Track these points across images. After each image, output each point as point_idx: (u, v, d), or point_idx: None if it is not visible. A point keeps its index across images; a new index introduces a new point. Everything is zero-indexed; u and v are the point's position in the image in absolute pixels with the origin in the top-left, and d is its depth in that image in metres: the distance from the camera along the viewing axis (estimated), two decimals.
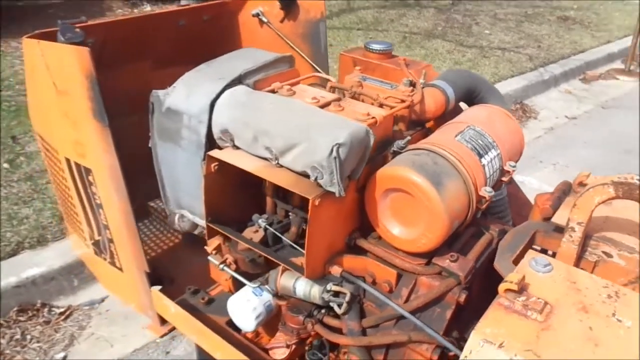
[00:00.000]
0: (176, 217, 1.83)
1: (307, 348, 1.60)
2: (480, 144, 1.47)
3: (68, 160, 1.97)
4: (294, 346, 1.58)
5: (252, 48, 1.83)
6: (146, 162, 1.78)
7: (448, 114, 1.71)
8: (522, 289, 1.19)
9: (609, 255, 1.41)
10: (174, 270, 2.26)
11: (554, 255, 1.53)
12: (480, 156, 1.45)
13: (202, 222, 1.67)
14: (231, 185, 1.56)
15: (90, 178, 1.90)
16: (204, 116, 1.45)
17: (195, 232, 1.92)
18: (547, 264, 1.28)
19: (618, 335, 1.08)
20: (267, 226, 1.57)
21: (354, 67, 2.03)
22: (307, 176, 1.32)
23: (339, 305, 1.42)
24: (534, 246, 1.56)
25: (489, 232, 1.53)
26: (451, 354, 1.34)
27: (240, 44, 2.63)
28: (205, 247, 1.74)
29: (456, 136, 1.46)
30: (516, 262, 1.45)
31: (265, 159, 1.40)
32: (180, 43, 2.46)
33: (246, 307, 1.61)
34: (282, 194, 1.58)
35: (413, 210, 1.33)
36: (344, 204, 1.40)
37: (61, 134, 1.94)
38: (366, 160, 1.34)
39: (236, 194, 1.60)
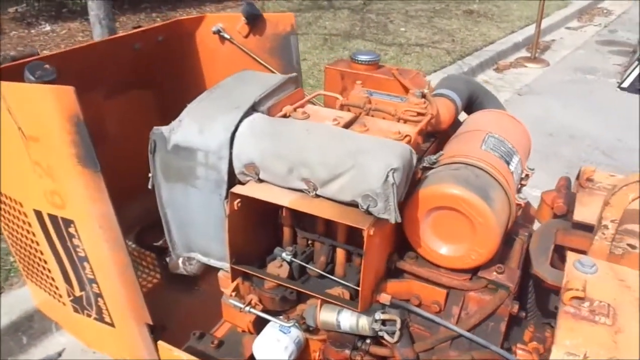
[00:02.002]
0: (180, 261, 1.67)
1: None
2: (504, 150, 1.48)
3: (39, 213, 1.73)
4: None
5: (250, 71, 1.71)
6: None
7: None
8: None
9: (633, 247, 1.47)
10: (162, 315, 2.08)
11: (577, 252, 1.58)
12: (508, 163, 1.45)
13: (219, 264, 1.54)
14: (251, 222, 1.45)
15: (71, 230, 1.68)
16: (224, 151, 1.32)
17: (179, 271, 1.77)
18: (593, 264, 1.31)
19: None
20: (293, 259, 1.47)
21: (342, 81, 1.98)
22: (353, 205, 1.24)
23: (391, 334, 1.36)
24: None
25: (518, 237, 1.54)
26: None
27: (199, 63, 2.48)
28: (224, 290, 1.61)
29: (482, 146, 1.45)
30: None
31: (300, 190, 1.30)
32: (136, 68, 2.28)
33: (278, 347, 1.51)
34: (303, 223, 1.49)
35: (460, 226, 1.31)
36: (386, 229, 1.34)
37: (28, 184, 1.70)
38: (409, 181, 1.29)
39: (254, 231, 1.49)
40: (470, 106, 1.78)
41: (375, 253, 1.29)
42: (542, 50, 7.55)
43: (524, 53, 7.57)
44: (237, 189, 1.34)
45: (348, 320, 1.40)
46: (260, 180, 1.36)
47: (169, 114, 2.55)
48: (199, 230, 1.49)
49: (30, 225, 1.83)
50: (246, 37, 2.32)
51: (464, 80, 1.78)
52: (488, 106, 1.77)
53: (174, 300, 2.23)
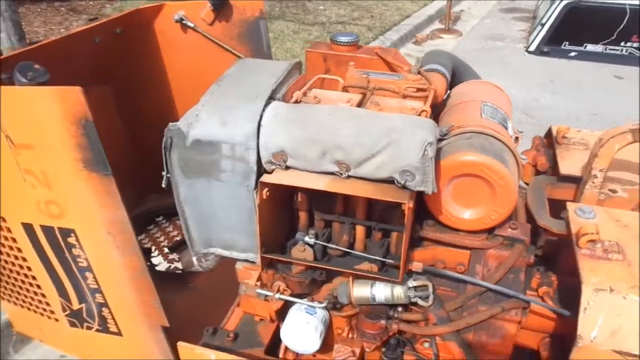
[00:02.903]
0: (194, 258, 1.64)
1: (382, 349, 1.60)
2: (500, 117, 1.59)
3: (29, 226, 1.63)
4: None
5: (250, 59, 1.68)
6: None
7: None
8: None
9: (614, 191, 1.66)
10: None
11: (563, 203, 1.75)
12: (506, 128, 1.57)
13: (242, 256, 1.53)
14: (273, 210, 1.46)
15: (70, 240, 1.60)
16: (252, 142, 1.32)
17: (194, 269, 1.75)
18: (592, 210, 1.47)
19: None
20: (316, 241, 1.50)
21: (324, 63, 2.00)
22: (387, 182, 1.29)
23: (425, 299, 1.45)
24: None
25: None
26: None
27: (160, 54, 2.39)
28: (246, 281, 1.61)
29: (482, 114, 1.56)
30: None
31: (332, 173, 1.33)
32: (97, 62, 2.16)
33: (308, 328, 1.55)
34: (321, 205, 1.53)
35: (480, 190, 1.40)
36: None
37: (15, 196, 1.59)
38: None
39: (275, 218, 1.50)
40: (452, 78, 1.88)
41: (411, 225, 1.36)
42: (453, 21, 7.93)
43: (437, 25, 7.93)
44: (267, 178, 1.34)
45: (383, 292, 1.47)
46: (287, 167, 1.37)
47: (134, 108, 2.44)
48: (222, 224, 1.48)
49: (14, 240, 1.72)
50: (211, 24, 2.26)
51: (446, 54, 1.87)
52: (468, 77, 1.88)
53: (169, 300, 2.18)
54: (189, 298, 2.25)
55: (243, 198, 1.40)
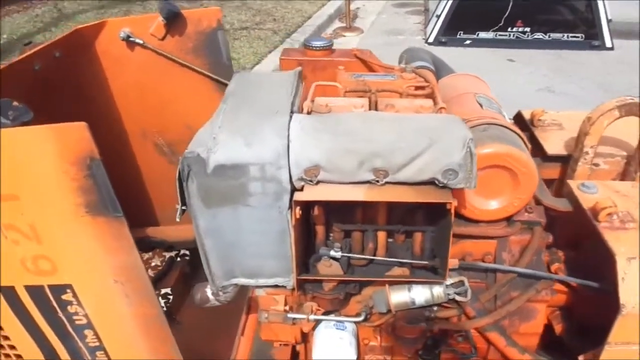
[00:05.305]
0: (209, 293, 1.51)
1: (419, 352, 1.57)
2: (496, 107, 1.64)
3: (9, 290, 1.40)
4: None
5: (247, 72, 1.56)
6: None
7: None
8: None
9: (596, 165, 1.78)
10: None
11: (551, 181, 1.85)
12: (503, 116, 1.62)
13: (270, 282, 1.43)
14: (300, 228, 1.38)
15: (65, 297, 1.39)
16: (283, 160, 1.22)
17: (209, 305, 1.61)
18: (594, 185, 1.57)
19: None
20: (344, 254, 1.45)
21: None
22: (426, 183, 1.27)
23: (463, 294, 1.45)
24: None
25: None
26: None
27: (105, 75, 2.16)
28: (272, 308, 1.50)
29: (482, 106, 1.59)
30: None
31: (368, 182, 1.28)
32: (38, 90, 1.91)
33: (343, 344, 1.51)
34: (340, 217, 1.47)
35: (502, 180, 1.43)
36: None
37: None
38: None
39: (300, 236, 1.42)
40: None
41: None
42: (352, 18, 8.13)
43: (338, 24, 8.08)
44: (301, 196, 1.26)
45: (422, 294, 1.44)
46: (317, 182, 1.29)
47: None
48: (248, 252, 1.36)
49: None
50: (163, 39, 2.09)
51: (423, 50, 1.89)
52: (444, 71, 1.92)
53: None
54: (179, 336, 2.07)
55: (273, 221, 1.30)
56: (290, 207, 1.27)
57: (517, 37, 6.93)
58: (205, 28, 2.09)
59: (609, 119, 1.61)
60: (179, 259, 2.29)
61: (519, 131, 1.51)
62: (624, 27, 7.39)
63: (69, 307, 1.41)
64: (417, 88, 1.59)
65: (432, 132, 1.24)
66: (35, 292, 1.39)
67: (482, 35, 7.00)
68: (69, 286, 1.37)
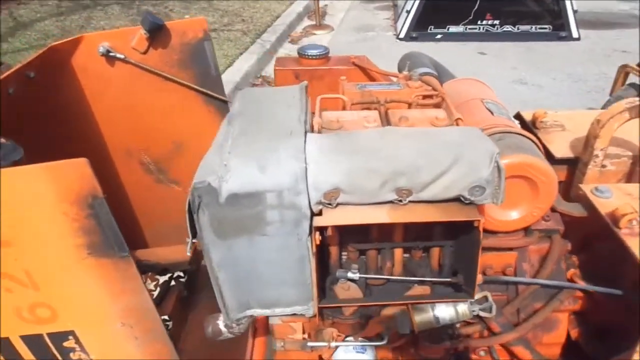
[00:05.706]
0: (223, 325, 1.42)
1: None
2: (505, 112, 1.59)
3: (4, 342, 1.28)
4: None
5: (251, 88, 1.47)
6: None
7: None
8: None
9: (604, 166, 1.76)
10: None
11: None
12: (515, 123, 1.58)
13: (287, 311, 1.35)
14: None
15: (67, 344, 1.29)
16: (302, 185, 1.14)
17: (222, 337, 1.52)
18: (608, 189, 1.54)
19: None
20: (362, 275, 1.38)
21: (297, 80, 1.86)
22: (450, 200, 1.21)
23: (487, 310, 1.40)
24: None
25: None
26: None
27: (84, 94, 2.03)
28: (290, 337, 1.42)
29: (492, 113, 1.54)
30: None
31: (388, 202, 1.21)
32: (13, 116, 1.77)
33: None
34: (354, 237, 1.41)
35: (521, 190, 1.39)
36: None
37: None
38: None
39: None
40: None
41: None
42: (321, 16, 8.05)
43: (307, 22, 7.99)
44: (322, 221, 1.18)
45: (447, 312, 1.39)
46: (336, 205, 1.22)
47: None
48: (264, 282, 1.28)
49: None
50: (145, 52, 1.97)
51: (422, 55, 1.83)
52: (445, 77, 1.86)
53: None
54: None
55: (292, 248, 1.22)
56: (310, 233, 1.19)
57: (486, 30, 6.98)
58: (191, 39, 1.98)
59: (619, 121, 1.58)
60: (173, 282, 2.17)
61: (534, 138, 1.47)
62: (590, 17, 7.55)
63: (71, 354, 1.31)
64: (424, 97, 1.53)
65: (456, 147, 1.18)
66: (32, 341, 1.27)
67: (453, 29, 7.02)
68: (71, 332, 1.26)
